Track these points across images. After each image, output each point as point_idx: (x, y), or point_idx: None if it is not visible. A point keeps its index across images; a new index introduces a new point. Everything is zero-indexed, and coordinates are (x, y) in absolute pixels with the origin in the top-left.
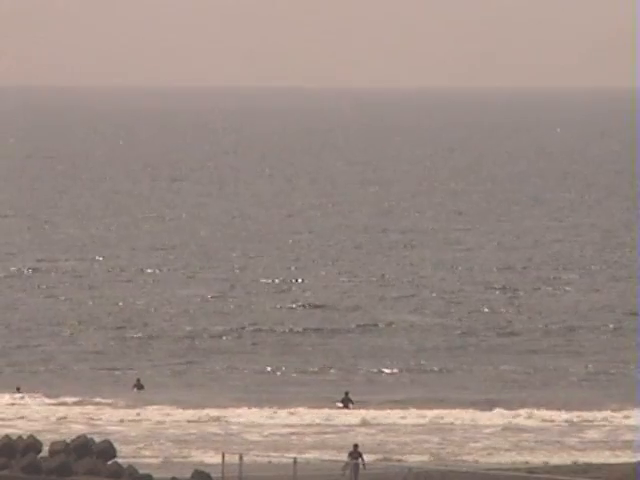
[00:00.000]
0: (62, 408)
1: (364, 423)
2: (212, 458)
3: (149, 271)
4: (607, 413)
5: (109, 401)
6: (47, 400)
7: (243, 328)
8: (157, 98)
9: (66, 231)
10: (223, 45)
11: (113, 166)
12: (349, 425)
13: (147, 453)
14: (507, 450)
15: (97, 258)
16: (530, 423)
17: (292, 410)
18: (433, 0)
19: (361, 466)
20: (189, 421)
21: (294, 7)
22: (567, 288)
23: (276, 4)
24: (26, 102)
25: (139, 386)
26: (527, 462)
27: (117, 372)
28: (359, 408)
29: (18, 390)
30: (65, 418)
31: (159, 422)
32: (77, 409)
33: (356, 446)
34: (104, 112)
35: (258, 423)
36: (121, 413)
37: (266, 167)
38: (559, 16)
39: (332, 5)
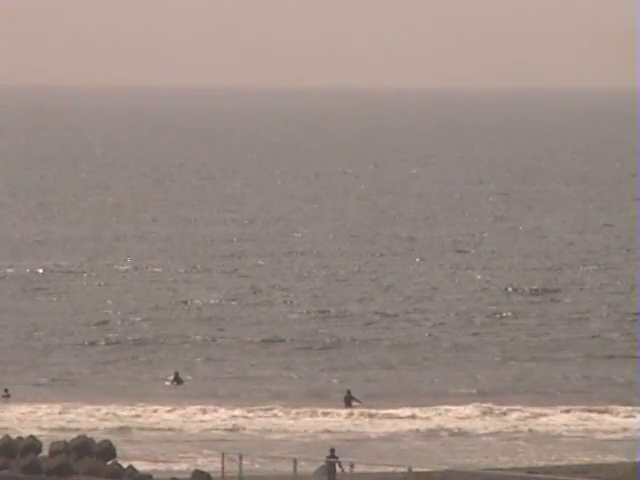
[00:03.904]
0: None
1: (362, 420)
2: (212, 458)
3: (158, 272)
4: (608, 414)
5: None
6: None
7: (249, 332)
8: (156, 98)
9: (70, 232)
10: (223, 45)
11: (115, 166)
12: (352, 424)
13: (148, 453)
14: (507, 451)
15: (105, 259)
16: (531, 424)
17: (294, 410)
18: (433, 0)
19: (338, 469)
20: (191, 421)
21: (294, 7)
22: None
23: (276, 4)
24: (25, 102)
25: (178, 380)
26: (527, 462)
27: (148, 370)
28: (362, 407)
29: (6, 391)
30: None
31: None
32: (117, 411)
33: (333, 450)
34: (104, 112)
35: (261, 424)
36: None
37: (267, 168)
38: (559, 16)
39: (332, 5)
